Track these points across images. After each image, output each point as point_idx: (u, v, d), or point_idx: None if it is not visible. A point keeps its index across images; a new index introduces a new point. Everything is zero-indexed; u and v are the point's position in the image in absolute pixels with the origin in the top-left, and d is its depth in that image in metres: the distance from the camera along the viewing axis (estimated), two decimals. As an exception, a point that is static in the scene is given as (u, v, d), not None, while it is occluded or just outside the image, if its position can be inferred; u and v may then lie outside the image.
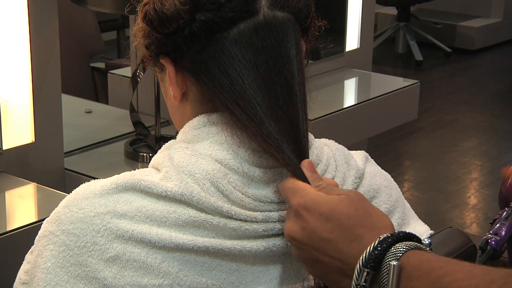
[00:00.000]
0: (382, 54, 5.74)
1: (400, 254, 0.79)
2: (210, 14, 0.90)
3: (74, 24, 3.11)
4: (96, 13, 3.12)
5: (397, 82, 2.86)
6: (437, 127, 4.56)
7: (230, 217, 0.87)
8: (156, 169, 0.92)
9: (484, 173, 4.05)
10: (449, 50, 5.88)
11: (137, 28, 0.96)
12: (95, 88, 3.13)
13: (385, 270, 0.79)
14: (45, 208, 1.73)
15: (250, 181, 0.89)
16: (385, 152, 4.08)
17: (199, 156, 0.90)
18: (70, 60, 2.93)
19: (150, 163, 0.93)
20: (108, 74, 2.72)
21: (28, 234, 1.57)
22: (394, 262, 0.78)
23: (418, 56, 5.64)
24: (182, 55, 0.92)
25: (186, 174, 0.88)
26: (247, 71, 0.89)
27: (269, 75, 0.89)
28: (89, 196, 0.89)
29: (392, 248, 0.79)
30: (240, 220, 0.87)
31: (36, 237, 0.92)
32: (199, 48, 0.91)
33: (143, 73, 2.05)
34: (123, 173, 0.92)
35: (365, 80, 2.89)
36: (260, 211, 0.89)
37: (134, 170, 0.94)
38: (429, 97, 4.91)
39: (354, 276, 0.80)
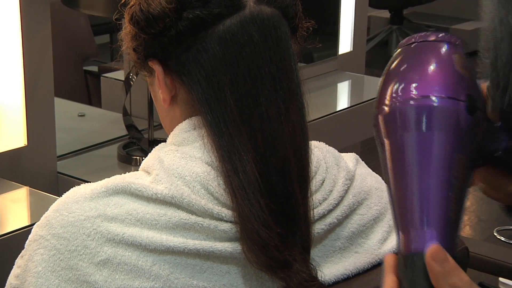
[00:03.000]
0: (375, 57, 5.74)
1: None
2: (196, 11, 0.89)
3: (67, 28, 3.10)
4: (89, 16, 3.11)
5: (390, 85, 2.85)
6: (430, 130, 4.56)
7: (220, 219, 0.87)
8: (147, 172, 0.91)
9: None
10: (442, 53, 5.87)
11: (124, 31, 0.95)
12: (88, 92, 3.12)
13: None
14: (37, 212, 1.72)
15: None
16: (378, 155, 4.07)
17: (189, 158, 0.89)
18: (63, 63, 2.92)
19: (140, 166, 0.93)
20: (101, 77, 2.71)
21: (20, 238, 1.56)
22: None
23: (411, 59, 5.64)
24: (170, 55, 0.92)
25: (176, 177, 0.88)
26: (227, 71, 0.89)
27: (253, 70, 0.89)
28: (79, 200, 0.89)
29: None
30: (231, 222, 0.87)
31: (27, 241, 0.91)
32: (185, 48, 0.91)
33: (136, 76, 2.04)
34: (113, 177, 0.91)
35: (358, 83, 2.89)
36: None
37: (127, 173, 0.93)
38: None
39: None
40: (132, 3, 0.94)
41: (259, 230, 0.85)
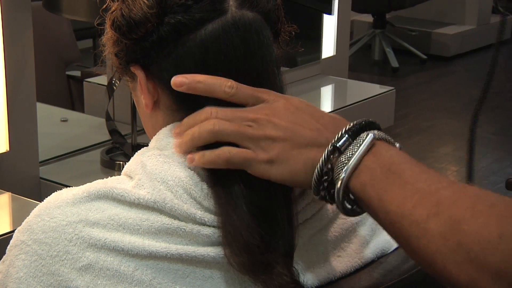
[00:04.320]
0: (358, 61, 5.76)
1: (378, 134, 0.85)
2: (178, 16, 0.89)
3: (49, 32, 3.09)
4: (72, 21, 3.10)
5: (373, 89, 2.87)
6: (413, 133, 4.58)
7: (203, 223, 0.87)
8: (129, 176, 0.91)
9: (460, 178, 4.07)
10: (425, 57, 5.91)
11: (106, 37, 0.95)
12: (70, 97, 3.11)
13: (361, 138, 0.84)
14: (20, 218, 1.70)
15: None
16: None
17: (172, 163, 0.89)
18: (45, 68, 2.91)
19: (122, 171, 0.93)
20: (84, 82, 2.71)
21: (2, 244, 1.55)
22: (371, 133, 0.84)
23: (394, 63, 5.67)
24: (152, 61, 0.92)
25: (159, 181, 0.87)
26: (210, 75, 0.89)
27: (233, 75, 0.89)
28: (61, 205, 0.88)
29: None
30: (214, 226, 0.87)
31: (8, 247, 0.91)
32: (167, 53, 0.91)
33: (119, 81, 2.04)
34: (95, 181, 0.91)
35: (341, 87, 2.90)
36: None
37: (109, 178, 0.93)
38: (405, 104, 4.94)
39: (333, 140, 0.84)
40: (113, 8, 0.93)
41: (242, 232, 0.85)
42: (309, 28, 2.84)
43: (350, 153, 0.83)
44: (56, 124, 2.40)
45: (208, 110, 0.88)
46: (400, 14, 6.21)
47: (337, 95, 2.88)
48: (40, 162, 2.03)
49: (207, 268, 0.87)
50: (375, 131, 0.86)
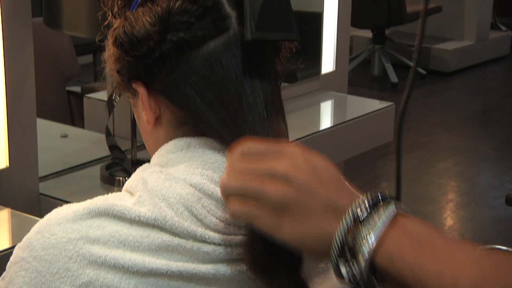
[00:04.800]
0: (358, 76, 5.77)
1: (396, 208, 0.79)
2: (180, 33, 0.89)
3: (50, 48, 3.10)
4: (72, 36, 3.11)
5: (373, 104, 2.87)
6: (413, 148, 4.58)
7: (204, 241, 0.86)
8: (130, 193, 0.91)
9: (460, 194, 4.06)
10: (424, 72, 5.92)
11: (108, 53, 0.95)
12: (71, 112, 3.11)
13: (382, 208, 0.78)
14: (19, 234, 1.70)
15: (224, 205, 0.88)
16: (361, 174, 4.08)
17: (173, 180, 0.89)
18: (45, 83, 2.91)
19: (123, 187, 0.92)
20: (84, 97, 2.71)
21: (2, 260, 1.54)
22: (392, 203, 0.78)
23: (394, 78, 5.68)
24: (154, 77, 0.92)
25: (159, 199, 0.87)
26: (217, 91, 0.89)
27: (238, 91, 0.89)
28: (61, 222, 0.88)
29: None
30: (214, 244, 0.87)
31: (8, 263, 0.90)
32: (170, 70, 0.91)
33: (119, 96, 2.04)
34: (96, 198, 0.91)
35: (341, 103, 2.90)
36: (234, 235, 0.88)
37: (110, 194, 0.93)
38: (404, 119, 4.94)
39: (351, 208, 0.78)
40: (115, 25, 0.93)
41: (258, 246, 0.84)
42: (308, 44, 2.85)
43: (373, 224, 0.78)
44: (56, 140, 2.40)
45: (228, 160, 0.85)
46: (399, 30, 6.23)
47: (337, 110, 2.88)
48: (40, 177, 2.02)
49: (207, 285, 0.87)
50: (395, 201, 0.80)
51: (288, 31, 0.90)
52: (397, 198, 0.89)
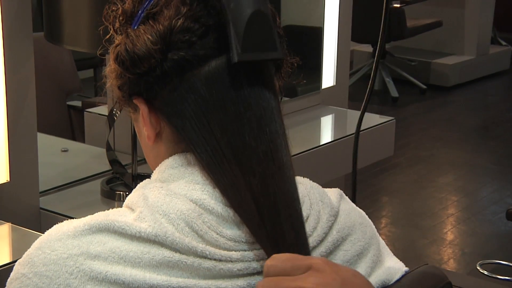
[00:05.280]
0: (358, 90, 5.77)
1: None
2: (181, 52, 0.90)
3: (50, 62, 3.10)
4: (73, 51, 3.11)
5: (373, 119, 2.87)
6: (413, 163, 4.58)
7: (204, 256, 0.86)
8: (130, 208, 0.91)
9: (460, 208, 4.06)
10: (424, 86, 5.93)
11: (109, 69, 0.95)
12: (71, 127, 3.11)
13: None
14: (20, 249, 1.70)
15: (224, 221, 0.88)
16: (362, 188, 4.08)
17: (174, 196, 0.89)
18: (46, 98, 2.92)
19: (124, 203, 0.92)
20: (85, 112, 2.71)
21: (2, 275, 1.54)
22: None
23: (394, 92, 5.69)
24: (155, 95, 0.92)
25: (160, 214, 0.87)
26: (215, 111, 0.89)
27: (239, 110, 0.89)
28: (62, 238, 0.88)
29: None
30: (215, 259, 0.86)
31: (8, 279, 0.90)
32: (171, 88, 0.91)
33: (120, 111, 2.04)
34: (96, 214, 0.91)
35: (341, 117, 2.90)
36: (235, 251, 0.88)
37: (111, 208, 0.93)
38: (405, 133, 4.94)
39: None
40: (117, 42, 0.94)
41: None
42: (309, 59, 2.85)
43: None
44: (57, 154, 2.40)
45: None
46: (399, 44, 6.24)
47: (337, 125, 2.88)
48: (40, 192, 2.02)
49: (208, 301, 0.86)
50: None
51: (272, 51, 0.90)
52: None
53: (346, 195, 1.04)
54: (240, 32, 0.87)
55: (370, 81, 1.13)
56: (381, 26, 1.08)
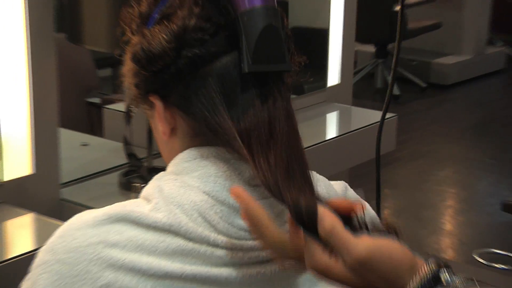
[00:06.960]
0: (362, 89, 5.76)
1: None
2: (195, 50, 0.90)
3: (71, 62, 3.11)
4: (92, 51, 3.12)
5: (376, 115, 2.86)
6: (414, 158, 4.57)
7: (216, 245, 0.86)
8: (147, 199, 0.91)
9: (458, 200, 4.05)
10: (425, 85, 5.92)
11: (126, 68, 0.96)
12: (91, 122, 3.12)
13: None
14: (42, 237, 1.71)
15: (236, 212, 0.88)
16: (365, 181, 4.06)
17: (188, 187, 0.89)
18: (67, 95, 2.92)
19: (140, 194, 0.93)
20: (104, 108, 2.71)
21: (26, 262, 1.55)
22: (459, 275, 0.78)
23: (396, 90, 5.67)
24: (170, 91, 0.92)
25: (175, 205, 0.87)
26: (229, 105, 0.89)
27: (248, 104, 0.89)
28: (82, 227, 0.88)
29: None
30: (226, 248, 0.87)
31: (32, 265, 0.91)
32: (186, 84, 0.91)
33: (137, 108, 2.04)
34: (114, 204, 0.91)
35: (345, 114, 2.89)
36: (246, 240, 0.88)
37: (128, 199, 0.93)
38: (406, 129, 4.93)
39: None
40: (133, 42, 0.94)
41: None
42: (315, 58, 2.85)
43: None
44: (77, 148, 2.41)
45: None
46: (401, 45, 6.22)
47: (342, 121, 2.88)
48: (62, 184, 2.03)
49: None
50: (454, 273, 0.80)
51: (281, 63, 0.90)
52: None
53: (354, 187, 1.04)
54: (252, 44, 0.88)
55: (390, 80, 1.14)
56: (398, 28, 1.07)
